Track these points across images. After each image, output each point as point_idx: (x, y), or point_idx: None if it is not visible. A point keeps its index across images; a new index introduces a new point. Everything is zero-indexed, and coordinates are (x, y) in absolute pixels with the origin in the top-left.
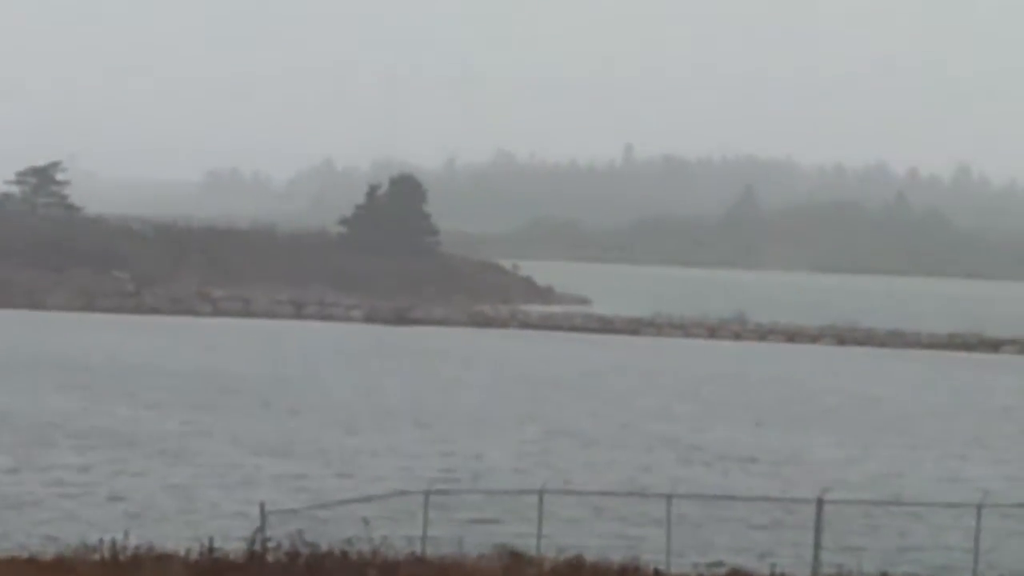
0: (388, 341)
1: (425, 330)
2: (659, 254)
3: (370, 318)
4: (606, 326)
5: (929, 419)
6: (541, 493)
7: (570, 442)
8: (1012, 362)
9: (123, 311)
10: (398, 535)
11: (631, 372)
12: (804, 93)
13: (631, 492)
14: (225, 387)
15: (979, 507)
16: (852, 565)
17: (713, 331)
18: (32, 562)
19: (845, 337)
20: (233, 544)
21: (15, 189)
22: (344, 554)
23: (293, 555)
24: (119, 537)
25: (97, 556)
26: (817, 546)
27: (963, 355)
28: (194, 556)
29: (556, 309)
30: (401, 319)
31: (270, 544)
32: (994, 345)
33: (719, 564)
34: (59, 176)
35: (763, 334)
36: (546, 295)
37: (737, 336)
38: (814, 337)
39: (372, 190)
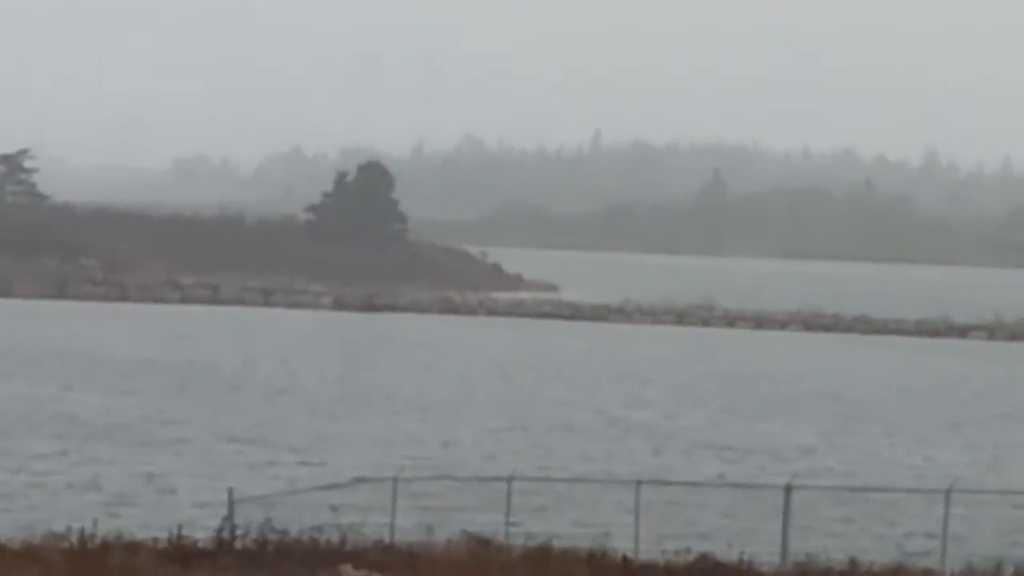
0: (357, 328)
1: (393, 317)
2: (627, 241)
3: (338, 305)
4: (575, 313)
5: (899, 406)
6: (510, 480)
7: (541, 429)
8: (979, 348)
9: (92, 299)
10: (367, 522)
11: (601, 359)
12: (771, 78)
13: (600, 479)
14: (196, 375)
15: (947, 493)
16: (821, 551)
17: (681, 317)
18: None
19: (812, 323)
20: (203, 532)
21: None
22: (312, 541)
23: (261, 542)
24: (88, 525)
25: (66, 544)
26: (785, 533)
27: (931, 341)
28: (162, 544)
29: (524, 296)
30: (369, 306)
31: (238, 531)
32: (962, 331)
33: (687, 551)
34: (27, 163)
35: (731, 320)
36: (514, 282)
37: (705, 322)
38: (782, 323)
39: (340, 177)
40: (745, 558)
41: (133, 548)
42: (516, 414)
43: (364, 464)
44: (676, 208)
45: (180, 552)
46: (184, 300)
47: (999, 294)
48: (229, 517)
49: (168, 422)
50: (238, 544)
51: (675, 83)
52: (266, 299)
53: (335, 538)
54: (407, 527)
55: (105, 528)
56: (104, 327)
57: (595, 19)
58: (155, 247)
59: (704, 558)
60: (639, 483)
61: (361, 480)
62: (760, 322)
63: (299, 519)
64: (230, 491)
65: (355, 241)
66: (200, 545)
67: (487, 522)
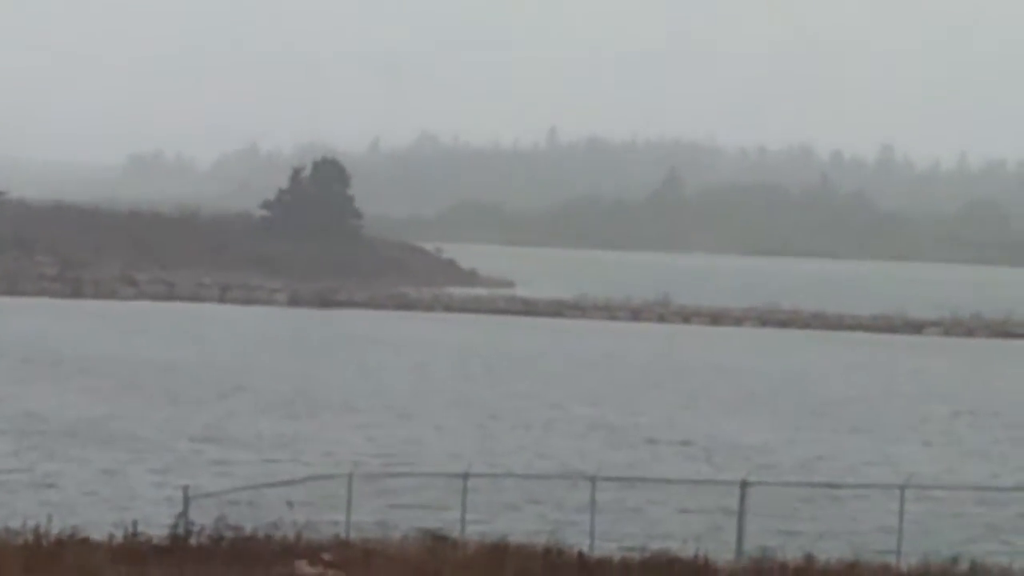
0: (313, 325)
1: (349, 313)
2: (584, 237)
3: (294, 301)
4: (530, 308)
5: (856, 402)
6: (465, 476)
7: (499, 426)
8: (935, 343)
9: (46, 295)
10: (323, 519)
11: (557, 355)
12: (726, 74)
13: (556, 475)
14: (152, 372)
15: (902, 488)
16: (776, 547)
17: (637, 313)
18: None
19: (768, 319)
20: (158, 529)
21: None
22: (268, 537)
23: (216, 539)
24: (43, 522)
25: (20, 541)
26: (741, 528)
27: (887, 337)
28: (117, 541)
29: (480, 292)
30: (325, 302)
31: (193, 528)
32: (917, 327)
33: (643, 548)
34: None
35: (687, 316)
36: (470, 278)
37: (661, 318)
38: (738, 319)
39: (295, 173)
40: (701, 554)
41: (88, 545)
42: (474, 410)
43: (321, 461)
44: (633, 205)
45: (135, 549)
46: (139, 296)
47: (955, 290)
48: (184, 514)
49: (124, 419)
50: (193, 541)
51: (630, 80)
52: (221, 295)
53: (291, 534)
54: (364, 524)
55: (60, 525)
56: (58, 324)
57: (549, 14)
58: (110, 243)
59: (660, 555)
60: (594, 479)
61: (317, 477)
62: (716, 318)
63: (255, 516)
64: (185, 488)
65: (311, 237)
66: (155, 542)
67: (445, 519)
